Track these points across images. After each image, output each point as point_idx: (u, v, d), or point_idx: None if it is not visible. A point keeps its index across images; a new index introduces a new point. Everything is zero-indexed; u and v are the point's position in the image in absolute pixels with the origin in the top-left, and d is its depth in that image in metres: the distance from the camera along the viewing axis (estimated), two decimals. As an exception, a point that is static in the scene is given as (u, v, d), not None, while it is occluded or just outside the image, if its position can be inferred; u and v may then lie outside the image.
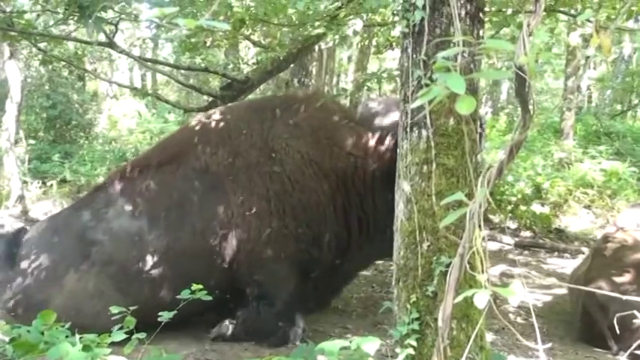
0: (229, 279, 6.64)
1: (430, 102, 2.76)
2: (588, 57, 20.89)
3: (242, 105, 8.03)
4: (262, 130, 6.81)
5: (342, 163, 6.74)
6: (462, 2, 4.34)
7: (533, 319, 3.30)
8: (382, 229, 6.24)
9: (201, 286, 4.74)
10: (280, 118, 6.87)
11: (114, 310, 4.42)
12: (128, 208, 6.81)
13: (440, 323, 2.89)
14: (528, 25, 2.63)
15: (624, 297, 4.55)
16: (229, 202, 6.61)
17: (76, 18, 7.31)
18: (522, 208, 12.72)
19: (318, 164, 6.70)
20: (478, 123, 4.88)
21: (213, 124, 7.04)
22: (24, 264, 6.75)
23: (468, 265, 3.13)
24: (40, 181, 14.51)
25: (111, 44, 8.87)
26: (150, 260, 6.58)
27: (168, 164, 6.91)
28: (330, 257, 6.84)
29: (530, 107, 2.77)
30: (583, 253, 10.66)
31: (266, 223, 6.55)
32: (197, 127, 7.16)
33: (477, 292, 2.65)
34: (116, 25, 8.88)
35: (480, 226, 2.89)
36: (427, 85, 4.29)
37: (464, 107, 2.53)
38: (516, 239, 11.99)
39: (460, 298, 3.03)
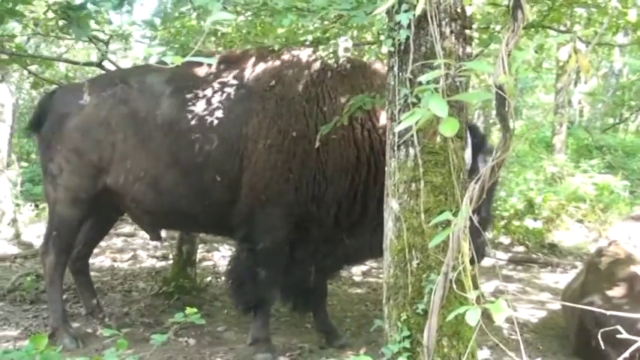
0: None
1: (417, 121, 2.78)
2: (579, 72, 20.99)
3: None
4: (318, 73, 6.70)
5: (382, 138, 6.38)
6: (446, 21, 4.38)
7: (517, 332, 3.30)
8: None
9: (195, 310, 4.73)
10: (342, 72, 6.70)
11: (106, 332, 4.41)
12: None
13: (425, 341, 2.91)
14: (507, 44, 2.65)
15: (621, 314, 4.58)
16: (250, 124, 6.56)
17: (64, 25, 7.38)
18: (515, 223, 12.72)
19: (354, 129, 6.45)
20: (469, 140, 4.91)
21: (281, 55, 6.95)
22: None
23: (457, 283, 3.14)
24: (33, 204, 14.47)
25: (101, 65, 8.88)
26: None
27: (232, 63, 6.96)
28: (329, 224, 6.66)
29: (511, 126, 2.79)
30: (576, 268, 10.65)
31: (273, 160, 6.45)
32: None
33: (468, 309, 2.66)
34: (107, 44, 8.93)
35: (468, 244, 2.90)
36: (414, 104, 4.34)
37: (447, 129, 2.56)
38: (509, 254, 11.98)
39: (451, 316, 3.05)
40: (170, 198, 6.90)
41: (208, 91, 6.76)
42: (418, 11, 2.85)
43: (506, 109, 2.70)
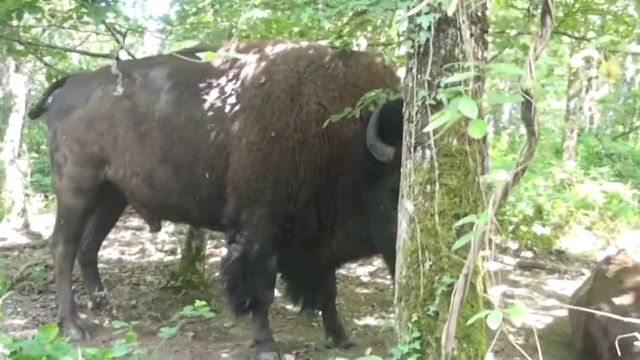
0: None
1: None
2: (591, 78, 20.98)
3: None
4: (305, 71, 6.52)
5: (346, 129, 6.29)
6: (467, 24, 4.37)
7: (536, 340, 3.30)
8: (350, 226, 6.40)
9: (204, 303, 4.73)
10: (325, 65, 6.54)
11: (116, 325, 4.41)
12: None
13: (443, 342, 2.91)
14: (535, 50, 2.66)
15: (625, 319, 4.57)
16: (237, 121, 6.50)
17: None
18: (523, 228, 12.67)
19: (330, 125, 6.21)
20: (482, 144, 4.90)
21: (278, 47, 6.82)
22: None
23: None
24: (42, 195, 14.52)
25: (117, 57, 8.90)
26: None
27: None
28: (314, 224, 6.57)
29: (536, 130, 2.79)
30: (584, 275, 10.63)
31: (252, 158, 6.39)
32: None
33: (489, 314, 2.67)
34: (124, 37, 8.99)
35: (491, 247, 2.90)
36: (432, 106, 4.34)
37: (476, 131, 2.57)
38: (517, 260, 11.96)
39: (473, 319, 3.04)
40: (164, 193, 6.94)
41: (204, 86, 6.72)
42: (450, 13, 2.85)
43: (532, 114, 2.70)
